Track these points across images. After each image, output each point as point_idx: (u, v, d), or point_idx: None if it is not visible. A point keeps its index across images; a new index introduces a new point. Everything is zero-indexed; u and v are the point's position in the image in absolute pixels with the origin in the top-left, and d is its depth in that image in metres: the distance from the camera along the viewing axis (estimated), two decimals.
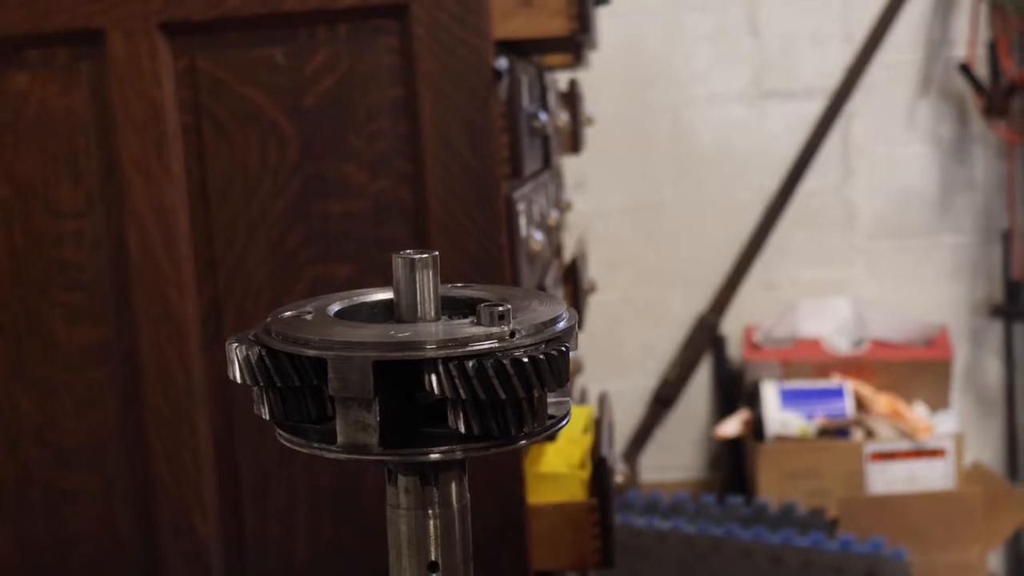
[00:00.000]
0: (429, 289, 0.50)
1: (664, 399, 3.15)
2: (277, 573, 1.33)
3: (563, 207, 1.98)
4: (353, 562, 1.32)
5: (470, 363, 0.44)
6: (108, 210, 1.30)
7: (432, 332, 0.47)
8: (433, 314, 0.50)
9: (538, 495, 1.36)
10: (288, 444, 0.49)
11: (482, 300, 0.48)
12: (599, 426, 1.50)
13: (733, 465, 3.02)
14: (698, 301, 3.12)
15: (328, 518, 1.32)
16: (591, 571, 1.47)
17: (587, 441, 1.53)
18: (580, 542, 1.35)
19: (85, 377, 1.32)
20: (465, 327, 0.47)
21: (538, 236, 1.42)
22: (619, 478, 1.48)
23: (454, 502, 0.49)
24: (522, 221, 1.34)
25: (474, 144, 1.25)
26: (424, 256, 0.50)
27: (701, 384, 3.17)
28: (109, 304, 1.31)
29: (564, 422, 0.50)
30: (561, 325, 0.48)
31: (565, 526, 1.34)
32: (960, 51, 3.06)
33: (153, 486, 1.33)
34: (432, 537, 0.49)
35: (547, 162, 1.69)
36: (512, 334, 0.46)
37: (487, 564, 1.30)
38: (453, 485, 0.49)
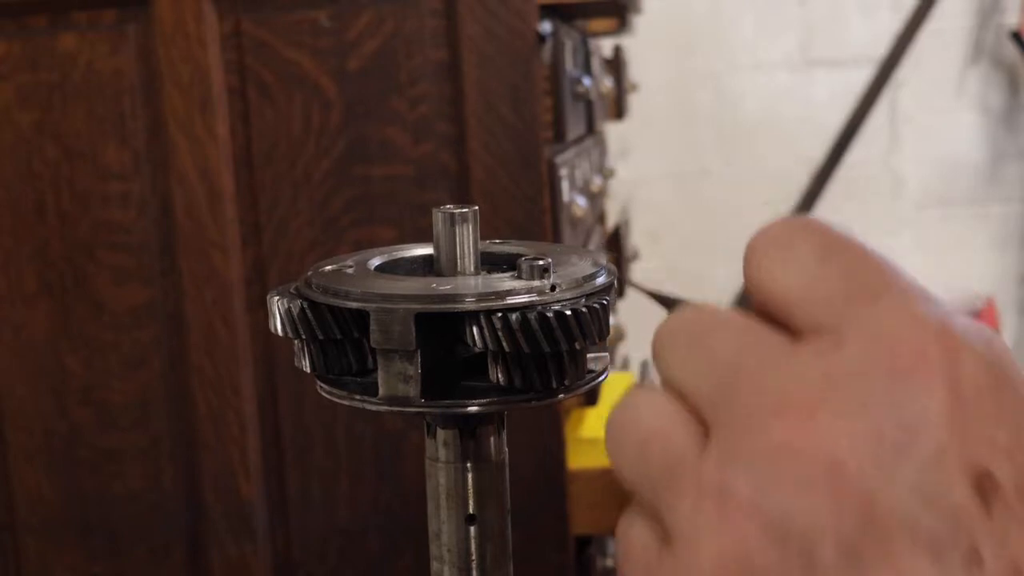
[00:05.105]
0: (469, 243, 0.50)
1: None
2: (319, 532, 1.34)
3: (606, 174, 1.97)
4: (394, 522, 1.33)
5: (513, 316, 0.44)
6: (154, 171, 1.31)
7: (473, 285, 0.47)
8: (473, 268, 0.50)
9: (579, 460, 1.36)
10: (329, 397, 0.50)
11: (521, 255, 0.48)
12: None
13: None
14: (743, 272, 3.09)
15: (369, 479, 1.33)
16: None
17: None
18: (621, 508, 1.35)
19: (131, 337, 1.34)
20: (506, 281, 0.47)
21: (581, 201, 1.42)
22: None
23: (493, 456, 0.50)
24: (565, 186, 1.34)
25: (517, 107, 1.25)
26: (464, 211, 0.50)
27: None
28: (155, 265, 1.32)
29: (603, 376, 0.50)
30: (601, 280, 0.48)
31: (606, 491, 1.35)
32: (1012, 18, 3.01)
33: (198, 446, 1.34)
34: (470, 490, 0.49)
35: (591, 128, 1.68)
36: (553, 288, 0.46)
37: (527, 526, 1.30)
38: (492, 439, 0.50)
